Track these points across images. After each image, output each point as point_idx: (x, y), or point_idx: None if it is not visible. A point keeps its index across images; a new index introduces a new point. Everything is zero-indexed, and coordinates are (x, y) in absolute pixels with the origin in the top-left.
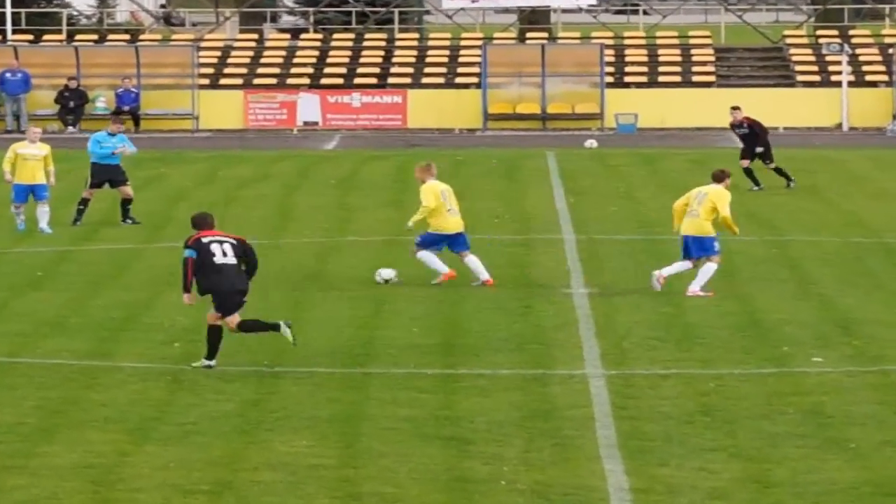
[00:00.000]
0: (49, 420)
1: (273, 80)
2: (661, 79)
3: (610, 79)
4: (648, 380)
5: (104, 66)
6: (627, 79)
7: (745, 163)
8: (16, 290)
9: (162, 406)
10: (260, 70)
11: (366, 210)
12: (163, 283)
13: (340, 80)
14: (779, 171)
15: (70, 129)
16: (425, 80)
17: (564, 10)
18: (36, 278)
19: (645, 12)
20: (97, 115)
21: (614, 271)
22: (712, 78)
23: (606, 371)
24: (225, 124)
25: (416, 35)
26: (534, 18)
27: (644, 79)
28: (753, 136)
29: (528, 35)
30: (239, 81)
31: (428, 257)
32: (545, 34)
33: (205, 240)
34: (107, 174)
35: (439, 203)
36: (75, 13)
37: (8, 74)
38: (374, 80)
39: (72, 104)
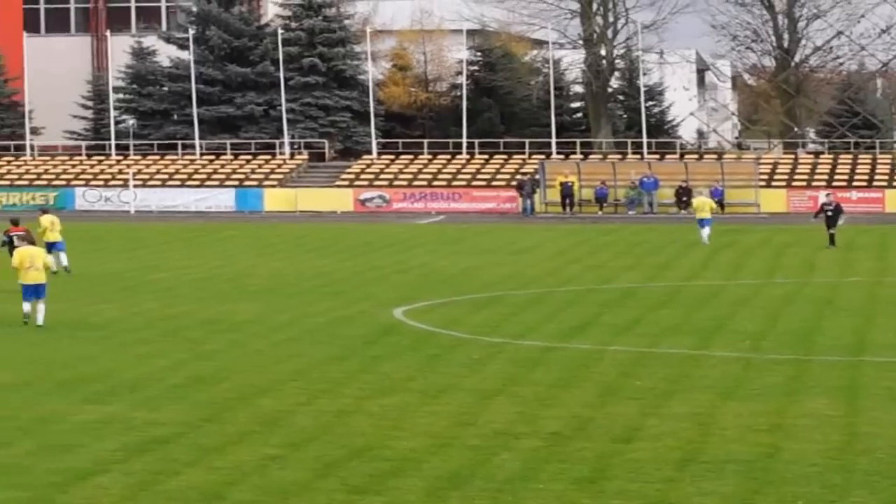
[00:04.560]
0: None
1: (803, 183)
2: None
3: None
4: None
5: (702, 173)
6: None
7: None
8: None
9: None
10: (796, 175)
11: None
12: None
13: (844, 183)
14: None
15: (683, 212)
16: None
17: None
18: None
19: None
20: None
21: None
22: None
23: None
24: (774, 209)
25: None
26: None
27: None
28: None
29: None
30: (783, 183)
31: None
32: None
33: None
34: None
35: None
36: (684, 142)
37: (645, 179)
38: (864, 182)
39: (684, 198)
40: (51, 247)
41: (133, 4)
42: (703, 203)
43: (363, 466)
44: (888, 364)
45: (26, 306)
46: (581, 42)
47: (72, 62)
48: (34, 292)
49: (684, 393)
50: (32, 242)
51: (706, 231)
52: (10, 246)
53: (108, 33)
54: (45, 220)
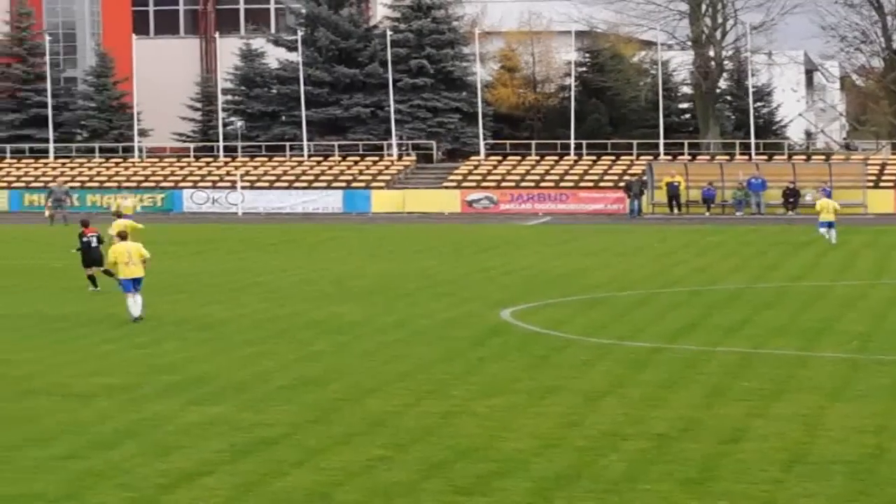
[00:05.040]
0: None
1: None
2: None
3: None
4: None
5: (809, 174)
6: None
7: None
8: None
9: None
10: None
11: None
12: None
13: None
14: None
15: (790, 213)
16: None
17: None
18: None
19: None
20: (806, 204)
21: None
22: None
23: None
24: (882, 210)
25: None
26: None
27: None
28: None
29: None
30: (891, 184)
31: None
32: None
33: None
34: None
35: None
36: (792, 143)
37: (752, 180)
38: None
39: (791, 199)
40: None
41: (242, 6)
42: (826, 204)
43: (469, 467)
44: None
45: (130, 302)
46: (690, 43)
47: (180, 64)
48: (133, 285)
49: (791, 394)
50: (101, 243)
51: (832, 232)
52: (86, 247)
53: (216, 35)
54: (120, 223)
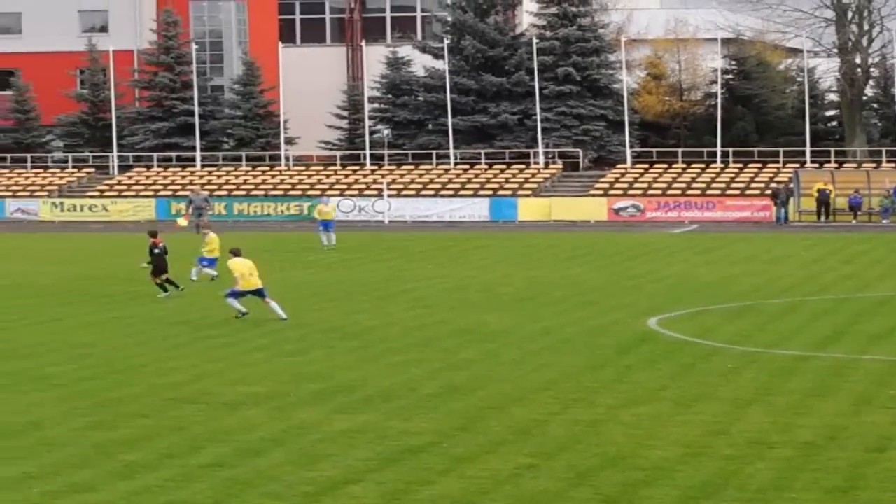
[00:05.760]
0: None
1: None
2: None
3: None
4: None
5: None
6: None
7: None
8: None
9: None
10: None
11: None
12: None
13: None
14: None
15: None
16: None
17: None
18: None
19: None
20: None
21: None
22: None
23: None
24: None
25: None
26: None
27: None
28: None
29: None
30: None
31: None
32: None
33: None
34: None
35: None
36: None
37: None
38: None
39: None
40: (210, 262)
41: (388, 14)
42: None
43: (616, 476)
44: None
45: (242, 307)
46: (836, 50)
47: (327, 72)
48: (256, 294)
49: None
50: (166, 253)
51: None
52: (157, 257)
53: (363, 43)
54: (215, 238)
